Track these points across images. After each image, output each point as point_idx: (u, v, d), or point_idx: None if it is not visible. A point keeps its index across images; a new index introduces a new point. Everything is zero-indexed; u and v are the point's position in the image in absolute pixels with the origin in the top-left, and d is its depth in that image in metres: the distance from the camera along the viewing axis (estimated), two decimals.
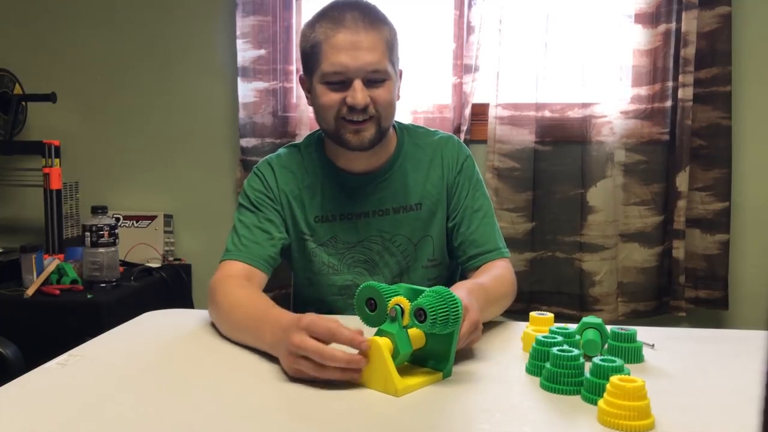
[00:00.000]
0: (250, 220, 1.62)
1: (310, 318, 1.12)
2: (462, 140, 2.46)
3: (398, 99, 1.62)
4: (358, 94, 1.49)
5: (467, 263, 1.65)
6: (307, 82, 1.61)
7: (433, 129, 1.76)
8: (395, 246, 1.67)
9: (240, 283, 1.50)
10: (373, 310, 1.17)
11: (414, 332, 1.14)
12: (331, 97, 1.52)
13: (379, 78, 1.51)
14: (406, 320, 1.12)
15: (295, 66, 2.80)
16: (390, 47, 1.54)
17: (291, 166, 1.68)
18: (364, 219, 1.65)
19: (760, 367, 1.22)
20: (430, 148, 1.69)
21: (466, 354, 1.28)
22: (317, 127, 1.67)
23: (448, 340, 1.14)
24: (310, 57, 1.55)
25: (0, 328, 2.26)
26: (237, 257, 1.57)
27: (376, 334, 1.14)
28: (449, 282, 1.74)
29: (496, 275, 1.55)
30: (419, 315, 1.09)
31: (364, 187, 1.65)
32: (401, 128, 1.72)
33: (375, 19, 1.52)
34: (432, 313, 1.08)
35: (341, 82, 1.51)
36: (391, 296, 1.15)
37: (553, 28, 2.69)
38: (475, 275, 1.59)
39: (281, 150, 1.73)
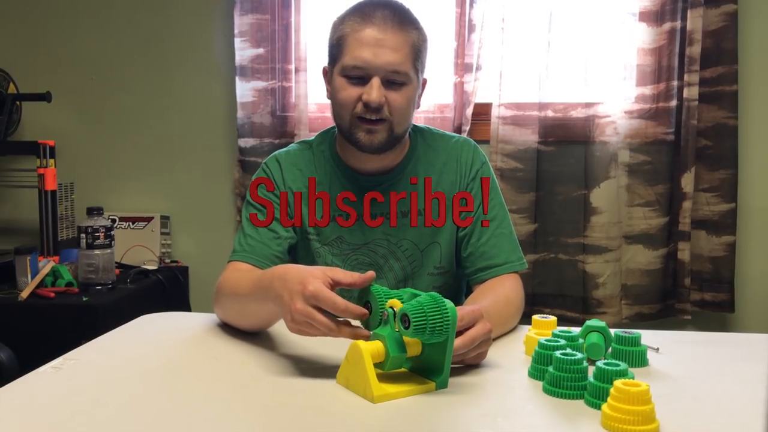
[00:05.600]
0: (256, 219, 1.60)
1: (316, 288, 1.11)
2: None
3: (417, 107, 1.61)
4: (374, 91, 1.47)
5: (474, 275, 1.61)
6: (329, 74, 1.59)
7: (449, 133, 1.73)
8: (401, 251, 1.64)
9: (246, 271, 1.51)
10: (370, 314, 1.15)
11: (411, 338, 1.11)
12: (348, 92, 1.51)
13: (398, 80, 1.50)
14: (398, 324, 1.09)
15: (294, 65, 2.78)
16: (416, 52, 1.52)
17: (300, 163, 1.66)
18: (370, 221, 1.62)
19: (767, 371, 1.21)
20: (444, 152, 1.66)
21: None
22: (317, 127, 1.65)
23: (443, 349, 1.11)
24: (335, 48, 1.54)
25: None
26: (243, 258, 1.56)
27: (372, 337, 1.12)
28: (456, 292, 1.71)
29: (500, 296, 1.50)
30: (404, 321, 1.06)
31: (373, 188, 1.62)
32: (415, 130, 1.69)
33: (405, 21, 1.51)
34: (416, 319, 1.05)
35: (360, 78, 1.49)
36: (389, 299, 1.13)
37: (557, 26, 2.67)
38: (481, 289, 1.56)
39: (292, 146, 1.72)
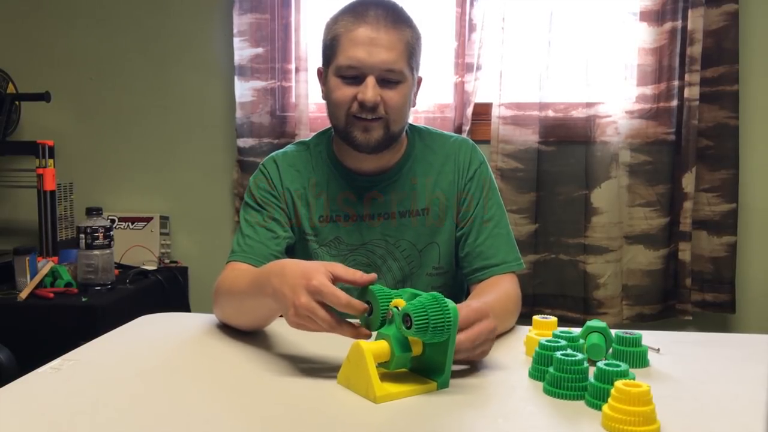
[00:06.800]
0: (254, 219, 1.60)
1: (320, 282, 1.11)
2: None
3: (413, 105, 1.61)
4: (369, 90, 1.47)
5: (472, 275, 1.61)
6: (323, 75, 1.59)
7: (447, 132, 1.73)
8: (399, 251, 1.63)
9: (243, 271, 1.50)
10: (370, 314, 1.14)
11: (412, 338, 1.11)
12: (343, 92, 1.50)
13: (393, 78, 1.49)
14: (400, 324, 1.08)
15: (294, 65, 2.78)
16: (410, 50, 1.52)
17: (297, 164, 1.66)
18: (368, 221, 1.62)
19: (767, 372, 1.21)
20: (443, 152, 1.66)
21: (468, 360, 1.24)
22: (318, 127, 1.64)
23: (444, 349, 1.10)
24: (329, 49, 1.54)
25: None
26: (242, 258, 1.55)
27: (377, 336, 1.12)
28: (456, 292, 1.71)
29: (500, 293, 1.50)
30: (405, 321, 1.06)
31: (371, 188, 1.62)
32: (413, 130, 1.68)
33: (398, 19, 1.51)
34: (418, 319, 1.04)
35: (355, 78, 1.49)
36: (391, 299, 1.13)
37: (557, 26, 2.67)
38: (479, 289, 1.56)
39: (289, 147, 1.71)
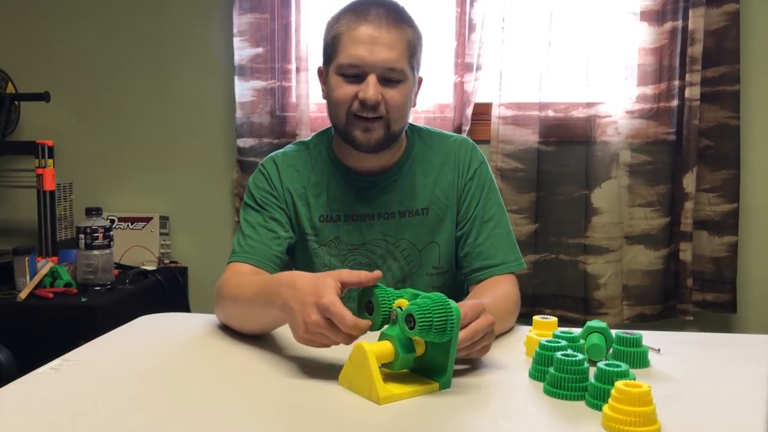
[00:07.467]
0: (255, 220, 1.60)
1: (329, 301, 1.10)
2: None
3: (414, 105, 1.61)
4: (371, 89, 1.47)
5: (471, 275, 1.61)
6: (324, 74, 1.59)
7: (447, 132, 1.73)
8: (399, 250, 1.63)
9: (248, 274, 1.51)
10: (371, 314, 1.14)
11: (414, 338, 1.11)
12: (344, 90, 1.50)
13: (394, 78, 1.50)
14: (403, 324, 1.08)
15: (294, 65, 2.78)
16: (411, 49, 1.52)
17: (297, 164, 1.66)
18: (368, 221, 1.62)
19: None
20: (443, 152, 1.66)
21: (469, 359, 1.24)
22: (318, 127, 1.64)
23: (446, 350, 1.10)
24: (330, 47, 1.54)
25: None
26: (243, 259, 1.55)
27: (381, 337, 1.12)
28: (456, 292, 1.71)
29: (499, 294, 1.50)
30: (408, 321, 1.06)
31: (370, 188, 1.62)
32: (412, 129, 1.68)
33: (400, 19, 1.51)
34: (421, 319, 1.04)
35: (356, 76, 1.49)
36: (393, 299, 1.13)
37: (557, 25, 2.66)
38: (477, 289, 1.56)
39: (289, 147, 1.72)
